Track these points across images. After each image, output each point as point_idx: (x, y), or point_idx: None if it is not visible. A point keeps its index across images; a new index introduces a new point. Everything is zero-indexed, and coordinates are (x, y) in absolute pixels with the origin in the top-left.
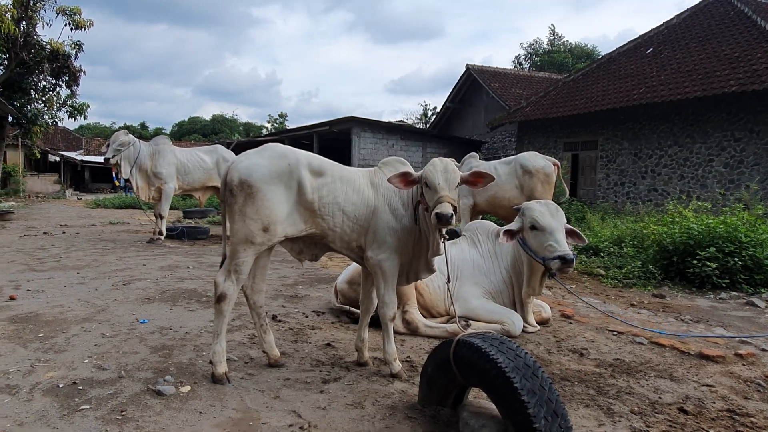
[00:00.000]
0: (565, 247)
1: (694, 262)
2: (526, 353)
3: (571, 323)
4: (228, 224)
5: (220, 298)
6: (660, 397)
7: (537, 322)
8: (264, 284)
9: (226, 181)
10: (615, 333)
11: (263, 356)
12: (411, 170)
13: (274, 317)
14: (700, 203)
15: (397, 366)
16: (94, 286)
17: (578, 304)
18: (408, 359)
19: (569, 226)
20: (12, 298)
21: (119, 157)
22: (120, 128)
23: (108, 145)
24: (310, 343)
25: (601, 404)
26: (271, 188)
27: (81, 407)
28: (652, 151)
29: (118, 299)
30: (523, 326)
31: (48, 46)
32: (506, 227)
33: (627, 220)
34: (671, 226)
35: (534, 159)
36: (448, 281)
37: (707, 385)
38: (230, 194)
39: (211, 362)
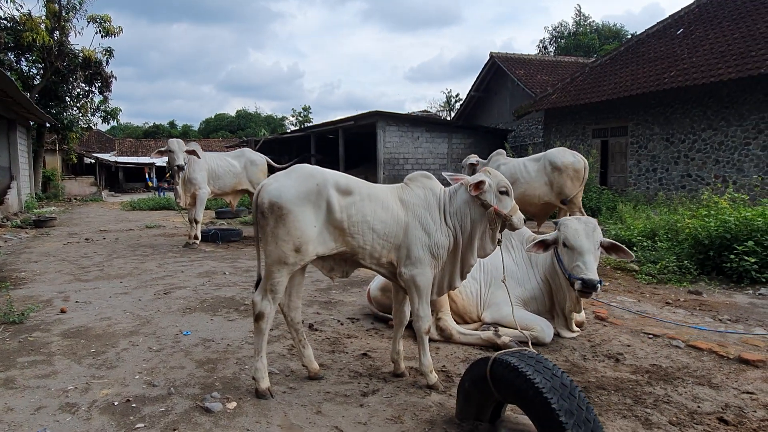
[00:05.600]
0: (591, 271)
1: (732, 256)
2: (563, 372)
3: (605, 326)
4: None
5: (258, 317)
6: (699, 406)
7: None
8: (300, 301)
9: (257, 203)
10: (651, 336)
11: (303, 369)
12: (466, 177)
13: (310, 326)
14: (737, 195)
15: (434, 377)
16: (137, 296)
17: (612, 304)
18: (443, 369)
19: (611, 241)
20: (63, 311)
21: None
22: (150, 128)
23: (168, 151)
24: (347, 353)
25: (639, 415)
26: (300, 209)
27: (136, 426)
28: (685, 135)
29: (161, 310)
30: (564, 333)
31: (81, 54)
32: (541, 237)
33: (660, 210)
34: (707, 219)
35: (563, 155)
36: (504, 280)
37: (748, 393)
38: (262, 216)
39: (254, 378)
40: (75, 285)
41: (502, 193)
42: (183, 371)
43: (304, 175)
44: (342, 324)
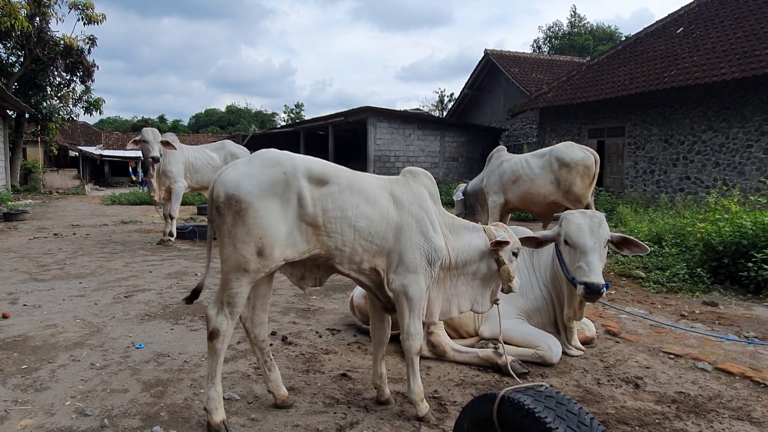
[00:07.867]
0: (595, 273)
1: (749, 264)
2: (593, 418)
3: (618, 342)
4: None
5: (212, 336)
6: None
7: (580, 342)
8: (266, 315)
9: (212, 197)
10: (672, 356)
11: (269, 394)
12: (488, 228)
13: (283, 339)
14: (753, 197)
15: (425, 408)
16: (95, 299)
17: (622, 317)
18: (435, 394)
19: (622, 235)
20: (5, 317)
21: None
22: (139, 122)
23: (142, 141)
24: (323, 373)
25: None
26: (264, 203)
27: None
28: (684, 137)
29: (117, 316)
30: (567, 350)
31: (62, 42)
32: (536, 233)
33: (663, 213)
34: (720, 223)
35: (572, 150)
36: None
37: None
38: (217, 213)
39: (206, 409)
40: (28, 285)
41: (514, 254)
42: (125, 396)
43: (268, 162)
44: (320, 336)
